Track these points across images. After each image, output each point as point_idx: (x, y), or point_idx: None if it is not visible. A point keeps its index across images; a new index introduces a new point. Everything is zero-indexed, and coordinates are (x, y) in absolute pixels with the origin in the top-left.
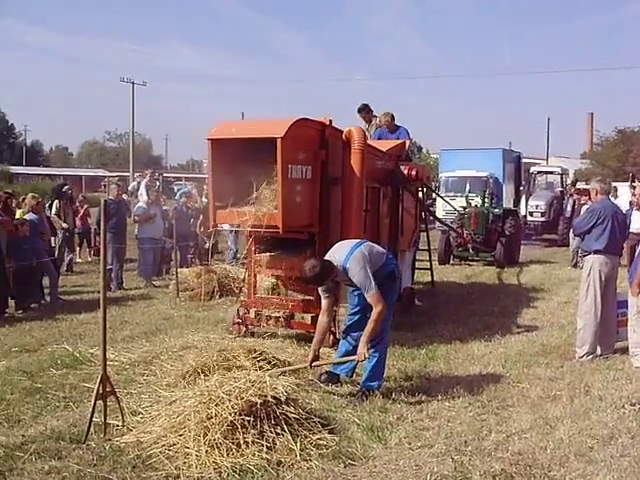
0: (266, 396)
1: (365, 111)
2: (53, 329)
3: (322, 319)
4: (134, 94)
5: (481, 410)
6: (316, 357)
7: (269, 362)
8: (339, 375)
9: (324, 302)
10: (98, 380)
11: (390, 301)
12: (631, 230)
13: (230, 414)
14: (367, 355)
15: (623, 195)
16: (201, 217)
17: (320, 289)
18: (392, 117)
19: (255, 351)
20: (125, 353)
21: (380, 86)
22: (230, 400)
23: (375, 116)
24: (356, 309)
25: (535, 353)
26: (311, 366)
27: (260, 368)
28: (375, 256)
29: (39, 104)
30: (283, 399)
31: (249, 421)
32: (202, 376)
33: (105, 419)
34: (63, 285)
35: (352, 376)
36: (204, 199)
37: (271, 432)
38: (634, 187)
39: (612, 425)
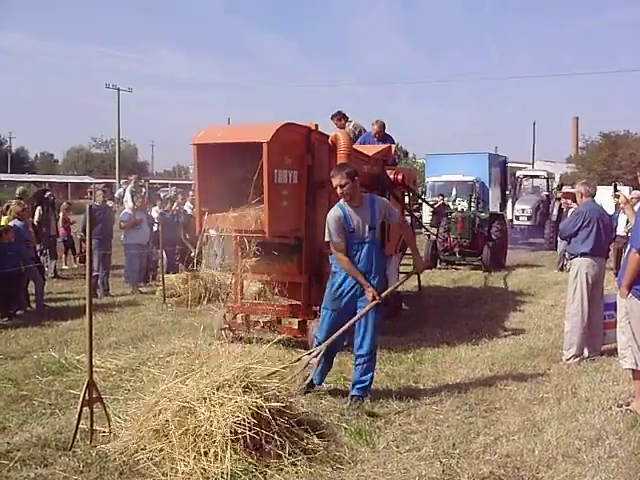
0: (258, 408)
1: (337, 117)
2: (39, 336)
3: (345, 259)
4: (120, 100)
5: (469, 413)
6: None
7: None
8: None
9: (341, 245)
10: (84, 386)
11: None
12: (618, 233)
13: (218, 428)
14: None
15: (603, 199)
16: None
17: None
18: (383, 126)
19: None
20: (112, 359)
21: (365, 91)
22: (218, 414)
23: (350, 121)
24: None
25: (522, 356)
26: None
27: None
28: None
29: (24, 111)
30: (274, 409)
31: (237, 430)
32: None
33: (91, 425)
34: (49, 292)
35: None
36: (189, 205)
37: (259, 438)
38: (617, 196)
39: (599, 426)
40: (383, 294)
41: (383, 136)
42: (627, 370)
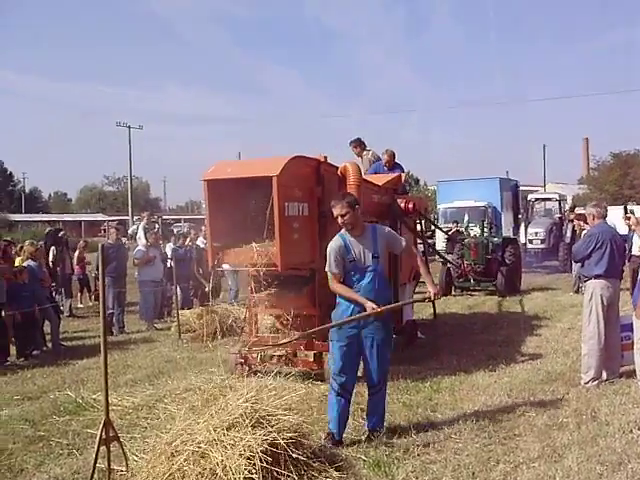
0: (271, 443)
1: (355, 144)
2: (55, 376)
3: (339, 285)
4: (131, 138)
5: (488, 440)
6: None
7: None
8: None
9: (337, 276)
10: (101, 425)
11: None
12: (633, 253)
13: (231, 471)
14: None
15: (615, 219)
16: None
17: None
18: (393, 155)
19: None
20: (128, 397)
21: (375, 121)
22: (230, 456)
23: (368, 150)
24: (345, 342)
25: (540, 381)
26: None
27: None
28: None
29: (37, 151)
30: (288, 440)
31: (251, 470)
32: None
33: (109, 465)
34: (64, 331)
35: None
36: (202, 240)
37: (278, 475)
38: (628, 218)
39: (621, 450)
40: (386, 307)
41: (393, 165)
42: None
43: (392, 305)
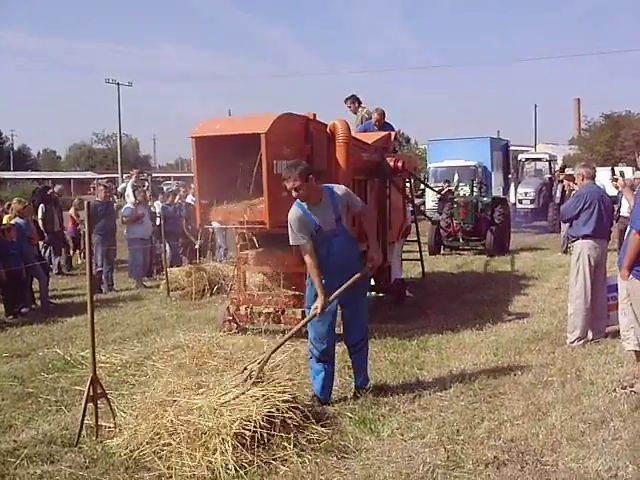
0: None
1: (351, 100)
2: (44, 333)
3: (310, 261)
4: (120, 95)
5: (473, 399)
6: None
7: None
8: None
9: (307, 246)
10: (88, 382)
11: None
12: (622, 213)
13: (225, 426)
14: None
15: (604, 180)
16: (185, 216)
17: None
18: (383, 114)
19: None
20: (116, 355)
21: (366, 79)
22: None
23: (363, 107)
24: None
25: (526, 340)
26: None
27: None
28: None
29: (25, 109)
30: (282, 405)
31: (247, 427)
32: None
33: (97, 421)
34: (54, 289)
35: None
36: (191, 197)
37: (267, 433)
38: (616, 179)
39: (604, 409)
40: (332, 297)
41: (383, 124)
42: (630, 352)
43: (337, 292)
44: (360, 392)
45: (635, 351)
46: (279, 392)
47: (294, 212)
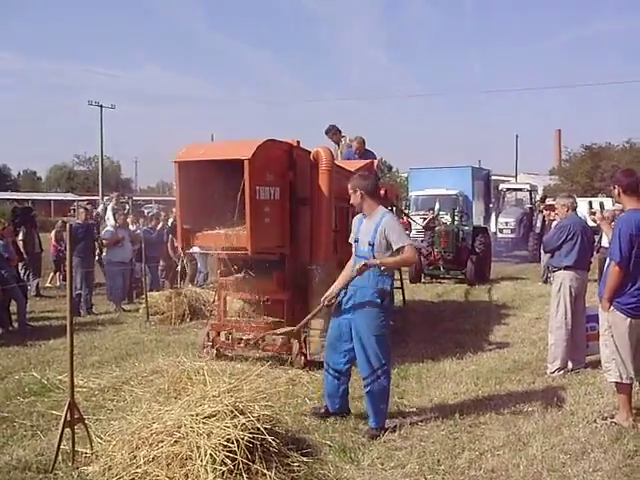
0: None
1: (332, 132)
2: (21, 356)
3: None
4: (102, 117)
5: (454, 428)
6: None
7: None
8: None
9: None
10: (65, 407)
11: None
12: (602, 244)
13: (205, 454)
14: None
15: (584, 211)
16: (171, 239)
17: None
18: (363, 142)
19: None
20: (94, 379)
21: (349, 106)
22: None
23: (344, 136)
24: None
25: (507, 370)
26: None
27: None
28: None
29: (6, 128)
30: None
31: (228, 455)
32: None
33: (73, 447)
34: (31, 311)
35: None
36: (172, 221)
37: (248, 459)
38: (594, 213)
39: (584, 440)
40: (332, 288)
41: (364, 152)
42: (612, 383)
43: (303, 321)
44: (365, 436)
45: (616, 382)
46: (259, 418)
47: (358, 215)
